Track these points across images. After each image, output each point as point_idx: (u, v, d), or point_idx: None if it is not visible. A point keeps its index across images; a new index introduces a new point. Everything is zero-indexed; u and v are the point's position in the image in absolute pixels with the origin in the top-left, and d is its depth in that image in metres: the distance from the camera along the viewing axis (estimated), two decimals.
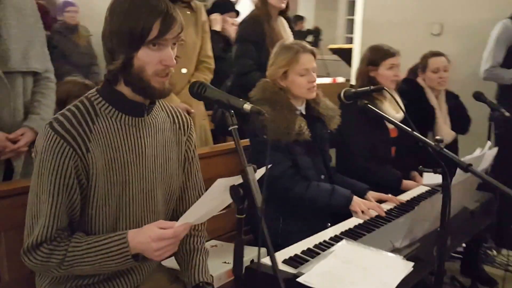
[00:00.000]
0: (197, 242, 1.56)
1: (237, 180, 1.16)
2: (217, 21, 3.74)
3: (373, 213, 1.97)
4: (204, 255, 1.56)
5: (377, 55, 2.69)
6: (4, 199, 1.50)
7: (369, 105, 1.70)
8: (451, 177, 1.34)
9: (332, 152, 2.61)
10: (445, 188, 1.28)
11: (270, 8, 2.85)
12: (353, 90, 1.77)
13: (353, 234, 1.79)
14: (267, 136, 2.04)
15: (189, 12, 2.44)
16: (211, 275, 1.54)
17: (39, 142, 1.25)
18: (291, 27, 3.05)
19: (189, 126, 1.54)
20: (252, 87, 2.62)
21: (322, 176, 2.18)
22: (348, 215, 2.02)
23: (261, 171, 1.28)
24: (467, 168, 1.23)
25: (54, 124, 1.23)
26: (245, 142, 2.27)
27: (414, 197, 2.32)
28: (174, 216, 1.52)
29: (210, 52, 2.55)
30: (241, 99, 1.20)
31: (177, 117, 1.51)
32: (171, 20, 1.24)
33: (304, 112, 2.19)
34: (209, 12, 4.07)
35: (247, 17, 2.98)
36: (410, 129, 1.50)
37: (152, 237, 1.22)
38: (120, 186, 1.32)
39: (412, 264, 1.48)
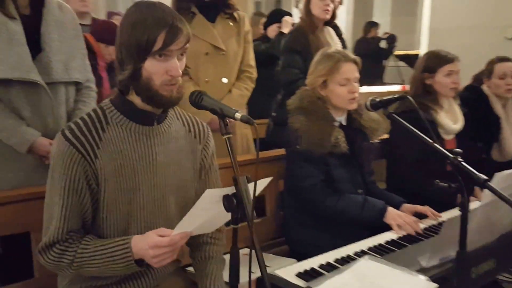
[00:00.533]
0: (214, 250, 1.57)
1: (230, 190, 1.15)
2: (288, 24, 3.77)
3: (409, 229, 1.84)
4: (219, 264, 1.56)
5: (434, 61, 2.54)
6: (35, 200, 1.60)
7: (394, 115, 1.60)
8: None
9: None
10: (462, 206, 1.17)
11: (315, 19, 2.87)
12: (378, 99, 1.69)
13: (380, 250, 1.69)
14: (300, 147, 2.00)
15: (231, 23, 2.47)
16: (225, 283, 1.53)
17: (53, 148, 1.33)
18: (339, 35, 3.00)
19: (206, 135, 1.56)
20: None
21: (360, 190, 2.09)
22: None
23: (265, 181, 1.27)
24: (483, 184, 1.11)
25: (65, 132, 1.30)
26: (280, 151, 2.24)
27: None
28: None
29: (252, 62, 2.55)
30: (233, 108, 1.19)
31: (193, 126, 1.53)
32: (176, 31, 1.27)
33: (344, 123, 2.11)
34: (268, 21, 4.11)
35: (293, 29, 3.00)
36: (430, 140, 1.39)
37: (149, 244, 1.24)
38: (130, 192, 1.36)
39: (435, 286, 1.37)
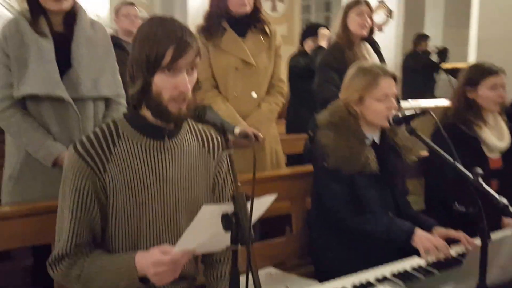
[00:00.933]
0: (227, 270, 1.53)
1: (228, 207, 1.11)
2: (325, 36, 3.73)
3: (438, 254, 1.72)
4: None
5: (476, 74, 2.41)
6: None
7: (417, 132, 1.51)
8: None
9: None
10: (480, 231, 1.07)
11: (351, 35, 2.81)
12: (400, 114, 1.60)
13: (404, 277, 1.58)
14: (327, 164, 1.92)
15: (262, 38, 2.46)
16: None
17: (65, 161, 1.35)
18: (377, 51, 2.92)
19: (220, 150, 1.53)
20: None
21: (390, 213, 1.98)
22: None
23: (267, 200, 1.22)
24: (503, 209, 1.01)
25: (77, 145, 1.32)
26: (309, 168, 2.18)
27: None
28: None
29: (283, 76, 2.53)
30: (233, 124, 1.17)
31: (207, 141, 1.52)
32: (184, 46, 1.26)
33: (377, 141, 2.01)
34: (303, 35, 4.08)
35: (329, 45, 2.95)
36: (449, 157, 1.29)
37: (151, 261, 1.22)
38: (140, 207, 1.35)
39: None
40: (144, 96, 1.31)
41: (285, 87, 2.53)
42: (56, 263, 1.33)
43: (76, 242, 1.32)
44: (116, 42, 3.47)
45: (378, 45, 3.01)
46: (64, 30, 1.94)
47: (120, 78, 2.14)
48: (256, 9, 2.43)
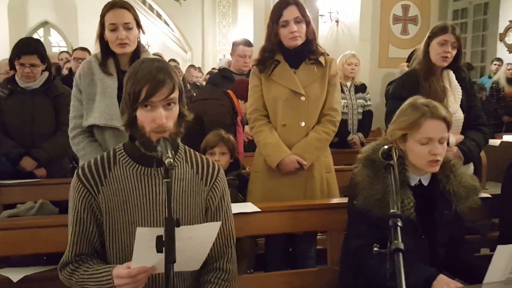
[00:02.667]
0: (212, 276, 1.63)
1: (162, 230, 1.24)
2: None
3: None
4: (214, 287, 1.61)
5: None
6: None
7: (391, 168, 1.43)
8: None
9: None
10: None
11: (431, 65, 2.66)
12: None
13: None
14: (356, 203, 1.83)
15: (316, 68, 2.51)
16: None
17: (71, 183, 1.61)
18: (461, 78, 2.72)
19: (214, 178, 1.65)
20: None
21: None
22: None
23: (213, 226, 1.32)
24: None
25: (79, 169, 1.56)
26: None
27: None
28: (207, 260, 1.61)
29: (335, 105, 2.52)
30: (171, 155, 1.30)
31: (202, 168, 1.64)
32: (157, 85, 1.43)
33: (425, 184, 1.87)
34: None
35: (405, 73, 2.82)
36: None
37: (115, 274, 1.39)
38: (132, 226, 1.53)
39: None
40: (131, 129, 1.51)
41: (337, 115, 2.52)
42: (61, 268, 1.57)
43: (76, 252, 1.54)
44: (226, 75, 3.84)
45: (464, 73, 2.80)
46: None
47: None
48: (309, 41, 2.50)
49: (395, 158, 1.49)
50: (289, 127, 2.48)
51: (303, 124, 2.47)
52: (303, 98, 2.47)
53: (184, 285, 1.63)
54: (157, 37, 14.43)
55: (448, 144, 2.56)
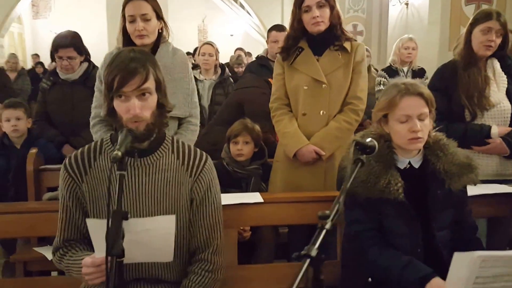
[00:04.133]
0: (197, 280, 1.64)
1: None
2: None
3: None
4: (198, 278, 1.63)
5: None
6: None
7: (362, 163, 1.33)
8: None
9: None
10: None
11: (473, 55, 2.46)
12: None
13: None
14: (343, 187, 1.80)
15: (340, 54, 2.40)
16: None
17: None
18: (507, 66, 2.47)
19: (200, 169, 1.65)
20: None
21: (419, 249, 1.74)
22: None
23: (168, 219, 1.34)
24: None
25: (66, 159, 1.63)
26: None
27: None
28: (192, 248, 1.68)
29: (359, 93, 2.39)
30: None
31: (188, 159, 1.65)
32: (128, 75, 1.46)
33: (416, 166, 1.79)
34: None
35: (444, 64, 2.63)
36: None
37: (83, 262, 1.44)
38: None
39: None
40: (111, 118, 1.55)
41: (361, 104, 2.39)
42: (54, 253, 1.66)
43: (65, 238, 1.62)
44: (263, 63, 3.84)
45: (510, 61, 2.53)
46: None
47: (195, 100, 2.45)
48: (332, 26, 2.40)
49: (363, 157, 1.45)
50: (309, 116, 2.41)
51: (323, 113, 2.38)
52: (324, 86, 2.38)
53: (172, 275, 1.66)
54: (240, 27, 14.70)
55: (489, 136, 2.35)
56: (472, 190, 2.14)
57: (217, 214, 1.69)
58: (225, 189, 2.60)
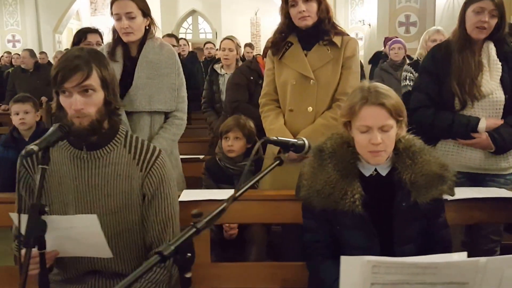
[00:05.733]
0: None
1: None
2: None
3: None
4: (151, 274, 1.63)
5: None
6: None
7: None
8: None
9: None
10: None
11: (468, 37, 2.26)
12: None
13: None
14: (301, 195, 1.71)
15: (329, 50, 2.30)
16: None
17: None
18: (504, 52, 2.25)
19: (151, 164, 1.65)
20: (424, 125, 2.23)
21: None
22: None
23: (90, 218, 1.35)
24: None
25: (23, 150, 1.66)
26: None
27: None
28: (147, 243, 1.69)
29: (348, 90, 2.24)
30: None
31: (140, 154, 1.66)
32: (69, 71, 1.49)
33: (383, 174, 1.66)
34: None
35: (437, 44, 2.44)
36: None
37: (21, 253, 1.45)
38: (66, 207, 1.63)
39: None
40: (61, 112, 1.56)
41: None
42: (14, 241, 1.71)
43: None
44: None
45: (508, 46, 2.29)
46: (137, 55, 2.39)
47: (183, 95, 2.45)
48: (321, 21, 2.30)
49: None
50: (296, 112, 2.33)
51: (310, 109, 2.30)
52: (312, 82, 2.30)
53: (129, 268, 1.68)
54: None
55: (476, 130, 2.16)
56: (463, 193, 2.00)
57: (170, 210, 1.69)
58: (218, 185, 2.62)
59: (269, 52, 2.46)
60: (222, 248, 2.52)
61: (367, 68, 6.59)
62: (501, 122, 2.24)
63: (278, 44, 2.39)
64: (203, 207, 1.98)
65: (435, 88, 2.29)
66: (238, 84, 3.41)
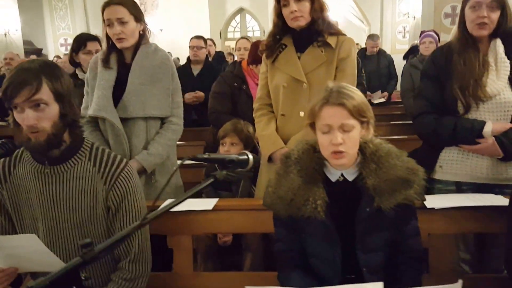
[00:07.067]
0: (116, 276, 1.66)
1: None
2: None
3: None
4: (115, 286, 1.64)
5: None
6: None
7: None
8: None
9: None
10: None
11: (469, 36, 2.08)
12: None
13: None
14: (265, 202, 1.65)
15: (323, 51, 2.19)
16: None
17: None
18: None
19: (115, 178, 1.64)
20: (426, 132, 2.11)
21: (338, 273, 1.55)
22: None
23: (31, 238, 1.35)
24: None
25: None
26: None
27: None
28: (116, 255, 1.70)
29: None
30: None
31: (105, 167, 1.65)
32: (17, 86, 1.47)
33: (350, 179, 1.57)
34: None
35: (439, 47, 2.29)
36: None
37: None
38: (33, 221, 1.65)
39: None
40: (18, 128, 1.55)
41: None
42: None
43: None
44: None
45: None
46: (131, 62, 2.39)
47: (178, 100, 2.43)
48: (314, 21, 2.19)
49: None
50: (288, 117, 2.25)
51: (302, 114, 2.20)
52: (304, 86, 2.20)
53: (98, 281, 1.70)
54: (339, 13, 14.24)
55: (481, 134, 1.99)
56: (450, 201, 1.86)
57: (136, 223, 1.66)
58: (217, 192, 2.58)
59: (264, 55, 2.38)
60: (218, 256, 2.48)
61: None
62: (510, 125, 2.04)
63: (272, 46, 2.31)
64: (180, 217, 1.95)
65: (437, 93, 2.12)
66: (219, 93, 3.30)
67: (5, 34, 10.53)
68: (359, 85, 3.58)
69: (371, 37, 6.53)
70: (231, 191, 2.53)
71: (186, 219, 1.98)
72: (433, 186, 2.19)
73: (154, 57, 2.38)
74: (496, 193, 2.06)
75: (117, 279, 1.65)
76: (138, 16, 2.34)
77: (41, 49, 12.27)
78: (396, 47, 11.69)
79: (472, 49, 2.06)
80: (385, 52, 6.71)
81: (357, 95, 1.53)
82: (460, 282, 1.04)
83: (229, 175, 2.44)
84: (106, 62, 2.37)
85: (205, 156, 1.29)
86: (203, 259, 2.49)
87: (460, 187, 2.15)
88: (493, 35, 2.06)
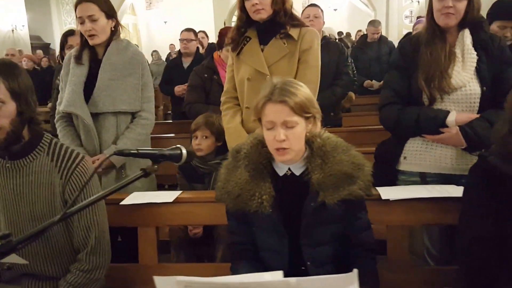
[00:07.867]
0: (69, 278, 1.72)
1: None
2: None
3: None
4: (72, 277, 1.70)
5: None
6: None
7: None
8: None
9: None
10: None
11: (436, 27, 2.06)
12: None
13: None
14: (216, 197, 1.69)
15: (285, 43, 2.20)
16: None
17: None
18: (481, 39, 2.03)
19: (71, 171, 1.70)
20: (390, 123, 2.12)
21: (284, 265, 1.57)
22: None
23: None
24: None
25: None
26: None
27: None
28: (75, 247, 1.75)
29: (306, 85, 2.17)
30: None
31: (61, 161, 1.71)
32: None
33: (297, 173, 1.59)
34: None
35: (407, 37, 2.27)
36: None
37: None
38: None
39: None
40: None
41: None
42: None
43: None
44: None
45: (485, 33, 2.05)
46: (102, 58, 2.43)
47: (149, 95, 2.46)
48: (276, 13, 2.20)
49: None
50: (252, 110, 2.26)
51: None
52: (268, 78, 2.21)
53: (59, 272, 1.75)
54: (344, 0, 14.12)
55: (445, 124, 1.99)
56: (406, 192, 1.87)
57: (92, 216, 1.72)
58: (190, 184, 2.62)
59: (229, 48, 2.40)
60: (191, 247, 2.53)
61: None
62: (476, 116, 2.02)
63: (237, 40, 2.33)
64: (144, 209, 2.00)
65: (404, 84, 2.11)
66: (191, 86, 3.43)
67: (12, 30, 10.71)
68: (345, 75, 3.59)
69: (372, 23, 6.43)
70: (204, 183, 2.57)
71: (150, 211, 2.02)
72: (397, 178, 2.19)
73: (125, 52, 2.42)
74: (463, 184, 2.06)
75: (75, 270, 1.71)
76: (109, 12, 2.38)
77: (49, 44, 12.43)
78: (403, 32, 11.53)
79: (439, 40, 2.04)
80: (386, 38, 6.61)
81: (301, 92, 1.54)
82: (355, 271, 1.05)
83: (199, 167, 2.52)
84: (78, 59, 2.42)
85: (133, 151, 1.31)
86: (176, 251, 2.54)
87: (424, 178, 2.14)
88: (462, 26, 2.05)
